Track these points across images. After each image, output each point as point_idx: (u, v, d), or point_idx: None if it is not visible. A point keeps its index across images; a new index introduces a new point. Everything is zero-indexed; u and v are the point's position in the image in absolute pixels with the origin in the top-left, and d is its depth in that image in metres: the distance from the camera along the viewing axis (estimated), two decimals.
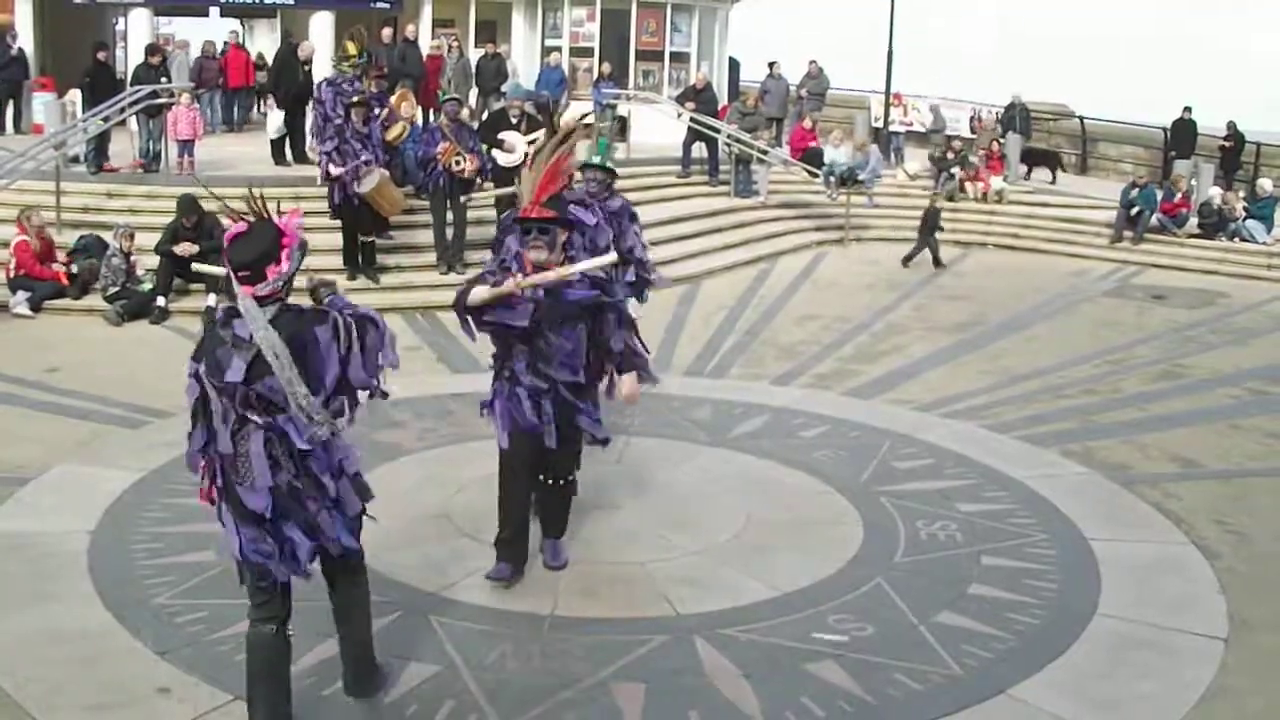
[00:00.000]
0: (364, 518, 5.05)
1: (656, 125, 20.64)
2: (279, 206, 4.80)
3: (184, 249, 12.63)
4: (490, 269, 6.53)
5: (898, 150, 23.87)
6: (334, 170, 13.11)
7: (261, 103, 21.81)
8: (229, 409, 4.65)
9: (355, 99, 13.29)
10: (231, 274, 4.66)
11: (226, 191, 13.67)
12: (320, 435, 4.70)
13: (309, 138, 16.29)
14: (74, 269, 12.94)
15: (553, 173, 6.30)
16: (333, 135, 13.27)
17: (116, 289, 12.64)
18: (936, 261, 17.64)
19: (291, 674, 5.03)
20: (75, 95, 17.37)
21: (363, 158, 13.02)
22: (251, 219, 4.74)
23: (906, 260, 17.64)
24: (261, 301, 4.61)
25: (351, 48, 13.91)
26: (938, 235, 17.93)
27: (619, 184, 8.49)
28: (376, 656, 5.39)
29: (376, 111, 13.82)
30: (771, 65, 22.74)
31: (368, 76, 14.40)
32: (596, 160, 7.88)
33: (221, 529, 4.82)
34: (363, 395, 4.93)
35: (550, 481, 6.62)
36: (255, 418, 4.64)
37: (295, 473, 4.72)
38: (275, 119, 16.98)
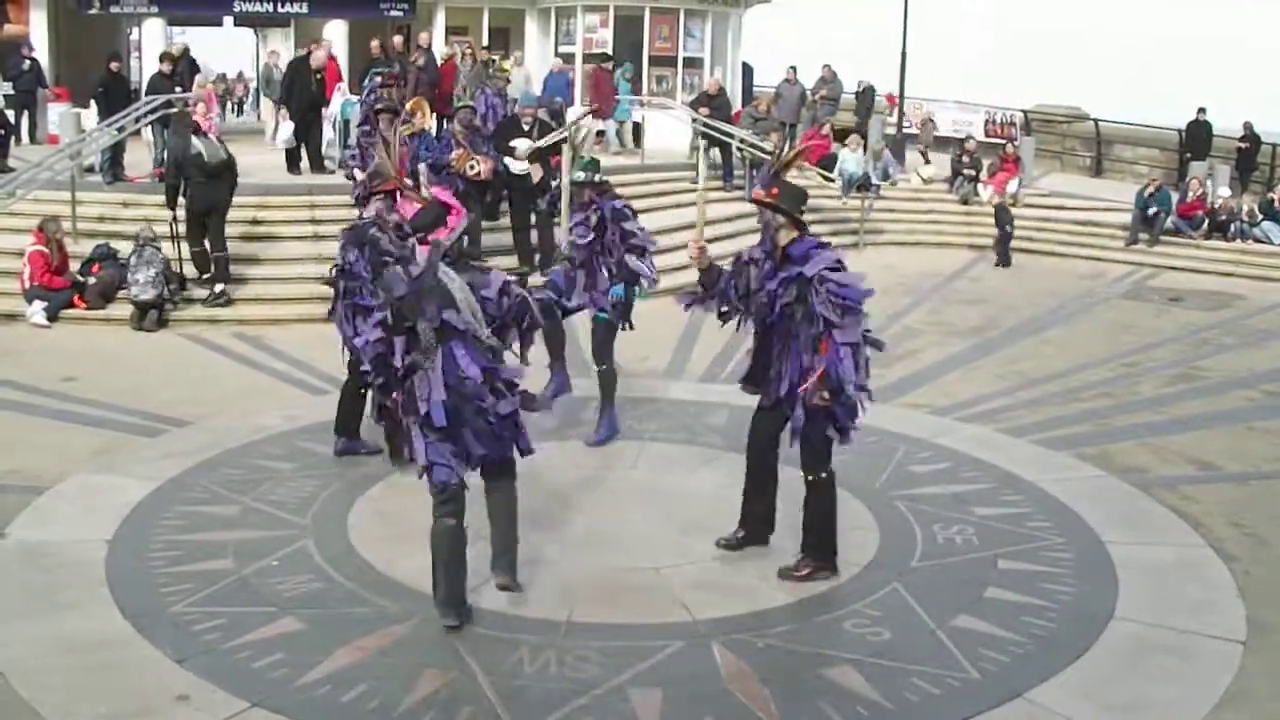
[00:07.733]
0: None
1: (670, 131, 20.63)
2: None
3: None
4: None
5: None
6: (358, 175, 13.14)
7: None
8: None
9: (381, 105, 13.32)
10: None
11: (240, 200, 14.06)
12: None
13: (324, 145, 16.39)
14: (92, 279, 12.96)
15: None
16: (356, 142, 13.36)
17: (157, 291, 12.64)
18: None
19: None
20: (89, 110, 17.41)
21: None
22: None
23: None
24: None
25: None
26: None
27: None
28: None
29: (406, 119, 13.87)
30: (792, 70, 22.72)
31: (386, 85, 14.46)
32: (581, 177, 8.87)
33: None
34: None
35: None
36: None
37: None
38: (285, 130, 16.95)
